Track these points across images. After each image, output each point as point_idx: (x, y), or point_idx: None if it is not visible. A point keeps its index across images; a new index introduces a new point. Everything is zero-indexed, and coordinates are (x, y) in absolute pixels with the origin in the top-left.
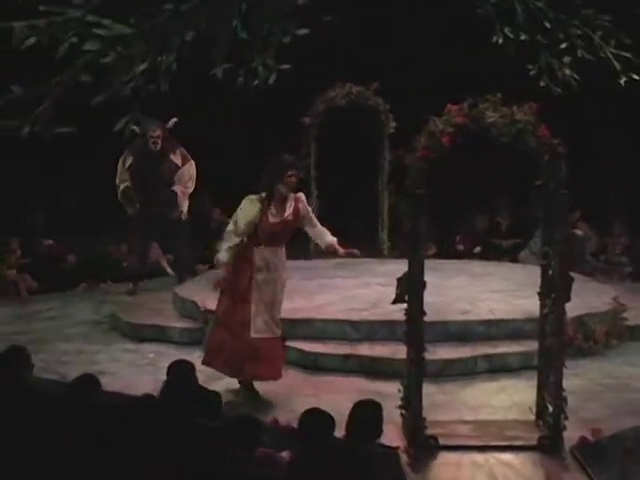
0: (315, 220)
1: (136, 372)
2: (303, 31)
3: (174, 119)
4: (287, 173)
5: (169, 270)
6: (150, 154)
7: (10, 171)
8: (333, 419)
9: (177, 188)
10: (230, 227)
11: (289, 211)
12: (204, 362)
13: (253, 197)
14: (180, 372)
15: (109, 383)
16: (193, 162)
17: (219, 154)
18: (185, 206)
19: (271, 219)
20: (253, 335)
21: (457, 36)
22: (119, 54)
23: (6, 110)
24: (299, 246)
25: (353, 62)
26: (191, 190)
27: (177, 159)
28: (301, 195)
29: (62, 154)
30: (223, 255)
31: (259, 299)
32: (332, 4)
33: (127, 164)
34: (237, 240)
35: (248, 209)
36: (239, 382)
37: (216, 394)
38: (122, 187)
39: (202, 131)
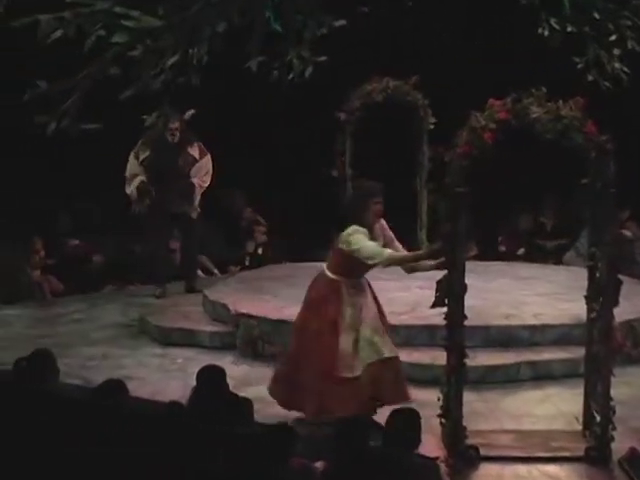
0: (398, 244)
1: (164, 377)
2: (340, 22)
3: (191, 110)
4: (373, 200)
5: (215, 270)
6: (167, 146)
7: (32, 168)
8: (369, 428)
9: (195, 181)
10: (380, 256)
11: (380, 241)
12: (278, 400)
13: (358, 228)
14: (210, 378)
15: (136, 389)
16: (210, 156)
17: (250, 151)
18: (197, 201)
19: None
20: (343, 375)
21: (500, 27)
22: (148, 47)
23: (32, 106)
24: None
25: (391, 55)
26: (207, 184)
27: (194, 152)
28: (383, 222)
29: (86, 150)
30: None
31: (348, 334)
32: None
33: (141, 157)
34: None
35: (365, 237)
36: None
37: (248, 401)
38: (137, 182)
39: (232, 127)
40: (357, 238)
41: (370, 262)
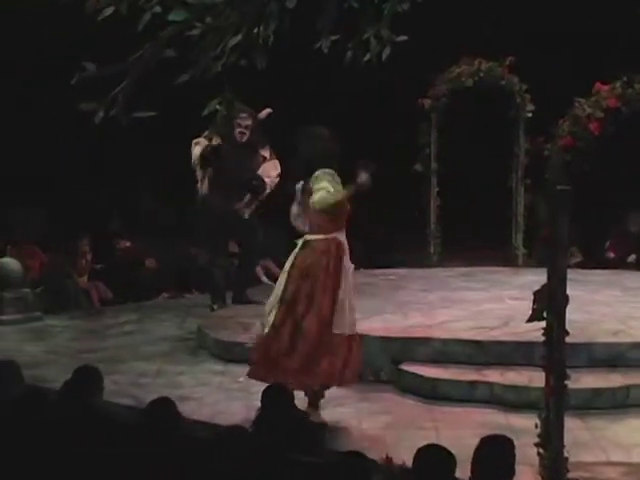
0: None
1: (225, 398)
2: None
3: (268, 110)
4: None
5: (264, 278)
6: (236, 144)
7: (80, 160)
8: (454, 458)
9: (267, 180)
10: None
11: None
12: (255, 375)
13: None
14: (276, 399)
15: (194, 410)
16: (277, 161)
17: None
18: (259, 199)
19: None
20: (335, 331)
21: (609, 1)
22: (208, 25)
23: (79, 91)
24: (416, 251)
25: (483, 33)
26: (275, 183)
27: (266, 153)
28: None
29: (139, 140)
30: None
31: (346, 290)
32: None
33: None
34: None
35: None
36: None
37: (319, 425)
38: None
39: (300, 114)
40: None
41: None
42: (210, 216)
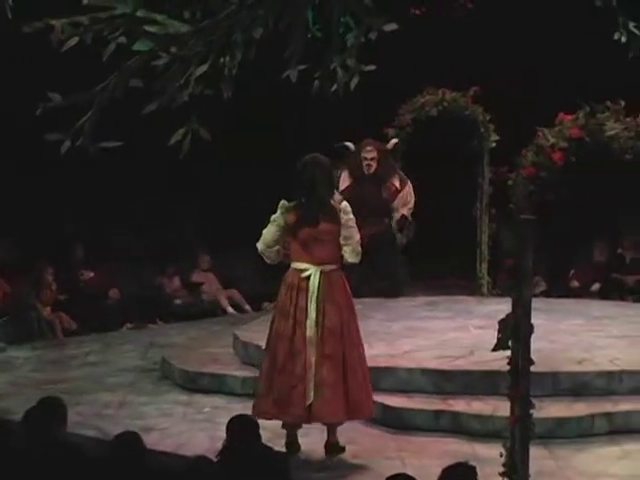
0: None
1: (190, 428)
2: (391, 26)
3: (395, 140)
4: None
5: (229, 309)
6: (365, 177)
7: (43, 188)
8: None
9: (404, 210)
10: None
11: None
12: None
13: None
14: (241, 429)
15: (158, 441)
16: (410, 183)
17: (281, 170)
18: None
19: None
20: None
21: (572, 33)
22: (174, 55)
23: (44, 121)
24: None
25: (447, 63)
26: (411, 211)
27: (396, 182)
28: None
29: (107, 169)
30: None
31: None
32: None
33: (341, 186)
34: None
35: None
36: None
37: (284, 456)
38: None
39: (268, 142)
40: None
41: None
42: None
